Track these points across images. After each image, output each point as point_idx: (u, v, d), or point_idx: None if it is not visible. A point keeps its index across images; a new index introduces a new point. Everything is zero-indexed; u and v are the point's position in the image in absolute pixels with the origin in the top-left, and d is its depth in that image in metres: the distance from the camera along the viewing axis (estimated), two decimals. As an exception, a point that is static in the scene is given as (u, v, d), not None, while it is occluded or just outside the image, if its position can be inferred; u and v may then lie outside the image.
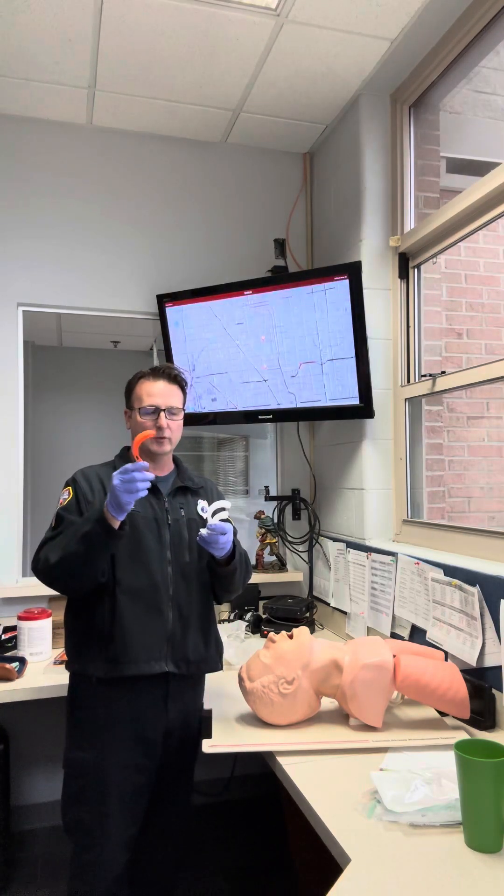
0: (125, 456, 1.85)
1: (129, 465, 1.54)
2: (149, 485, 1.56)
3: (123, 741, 1.67)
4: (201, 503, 1.84)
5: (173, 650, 1.71)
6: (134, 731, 1.68)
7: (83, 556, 1.58)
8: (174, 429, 1.78)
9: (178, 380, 1.82)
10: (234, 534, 1.75)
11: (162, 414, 1.75)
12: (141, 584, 1.69)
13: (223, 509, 1.71)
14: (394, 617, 2.17)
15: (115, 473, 1.56)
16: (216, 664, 1.84)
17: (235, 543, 1.76)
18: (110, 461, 1.86)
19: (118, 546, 1.63)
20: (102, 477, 1.78)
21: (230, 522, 1.73)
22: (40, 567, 1.64)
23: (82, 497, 1.73)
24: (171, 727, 1.73)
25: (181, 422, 1.82)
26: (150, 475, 1.56)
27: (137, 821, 1.70)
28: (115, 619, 1.66)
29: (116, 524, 1.57)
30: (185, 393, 1.84)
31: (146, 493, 1.56)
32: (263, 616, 2.60)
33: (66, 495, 1.75)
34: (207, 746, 1.57)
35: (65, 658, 1.78)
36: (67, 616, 1.77)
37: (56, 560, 1.60)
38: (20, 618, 2.33)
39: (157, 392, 1.77)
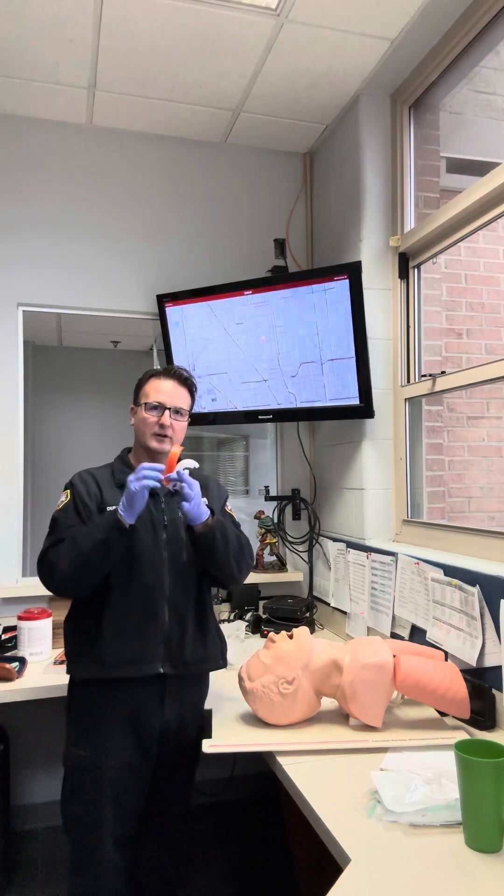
0: (124, 458, 1.86)
1: (144, 464, 1.61)
2: (158, 484, 1.61)
3: (119, 739, 1.67)
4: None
5: (170, 651, 1.71)
6: (129, 729, 1.69)
7: (99, 564, 1.63)
8: (177, 429, 1.79)
9: (188, 382, 1.84)
10: (204, 494, 1.74)
11: (167, 412, 1.76)
12: (135, 586, 1.69)
13: (189, 467, 1.76)
14: (394, 617, 2.17)
15: (130, 477, 1.61)
16: (218, 662, 1.84)
17: (214, 511, 1.76)
18: (108, 464, 1.87)
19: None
20: (99, 479, 1.79)
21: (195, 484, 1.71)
22: (56, 580, 1.65)
23: (79, 500, 1.74)
24: (168, 727, 1.73)
25: (185, 424, 1.83)
26: (160, 475, 1.61)
27: (133, 820, 1.71)
28: (108, 622, 1.67)
29: (127, 524, 1.61)
30: (193, 397, 1.86)
31: (156, 484, 1.61)
32: (263, 616, 2.60)
33: (64, 498, 1.77)
34: (207, 746, 1.57)
35: (64, 658, 1.78)
36: (67, 619, 1.78)
37: (73, 574, 1.62)
38: (20, 618, 2.33)
39: (165, 390, 1.79)
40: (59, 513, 1.74)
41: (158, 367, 1.88)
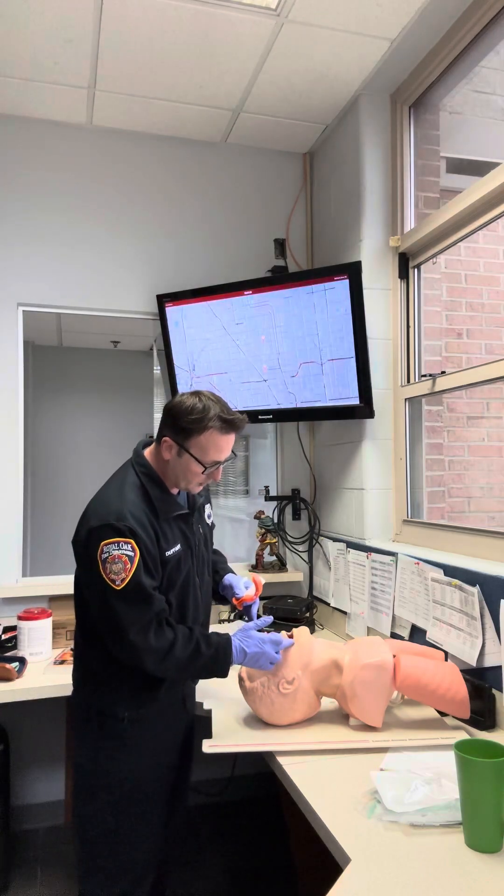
0: (156, 480, 1.65)
1: (268, 642, 1.65)
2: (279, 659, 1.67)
3: (159, 747, 1.66)
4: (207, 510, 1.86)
5: None
6: (165, 735, 1.69)
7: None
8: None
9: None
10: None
11: (220, 467, 1.65)
12: (183, 619, 1.69)
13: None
14: (394, 617, 2.17)
15: (271, 655, 1.65)
16: None
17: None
18: (134, 484, 1.62)
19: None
20: (151, 518, 1.59)
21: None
22: (145, 668, 1.54)
23: (148, 556, 1.55)
24: (189, 723, 1.78)
25: None
26: (278, 657, 1.66)
27: (169, 818, 1.71)
28: None
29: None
30: None
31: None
32: (263, 616, 2.60)
33: (131, 552, 1.50)
34: (207, 746, 1.57)
35: (65, 658, 1.78)
36: (98, 658, 1.62)
37: (167, 676, 1.62)
38: (20, 618, 2.33)
39: (227, 447, 1.63)
40: (137, 581, 1.50)
41: (212, 404, 1.60)
